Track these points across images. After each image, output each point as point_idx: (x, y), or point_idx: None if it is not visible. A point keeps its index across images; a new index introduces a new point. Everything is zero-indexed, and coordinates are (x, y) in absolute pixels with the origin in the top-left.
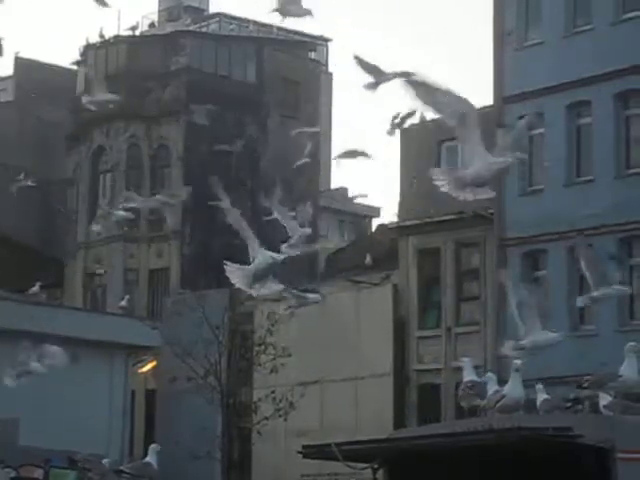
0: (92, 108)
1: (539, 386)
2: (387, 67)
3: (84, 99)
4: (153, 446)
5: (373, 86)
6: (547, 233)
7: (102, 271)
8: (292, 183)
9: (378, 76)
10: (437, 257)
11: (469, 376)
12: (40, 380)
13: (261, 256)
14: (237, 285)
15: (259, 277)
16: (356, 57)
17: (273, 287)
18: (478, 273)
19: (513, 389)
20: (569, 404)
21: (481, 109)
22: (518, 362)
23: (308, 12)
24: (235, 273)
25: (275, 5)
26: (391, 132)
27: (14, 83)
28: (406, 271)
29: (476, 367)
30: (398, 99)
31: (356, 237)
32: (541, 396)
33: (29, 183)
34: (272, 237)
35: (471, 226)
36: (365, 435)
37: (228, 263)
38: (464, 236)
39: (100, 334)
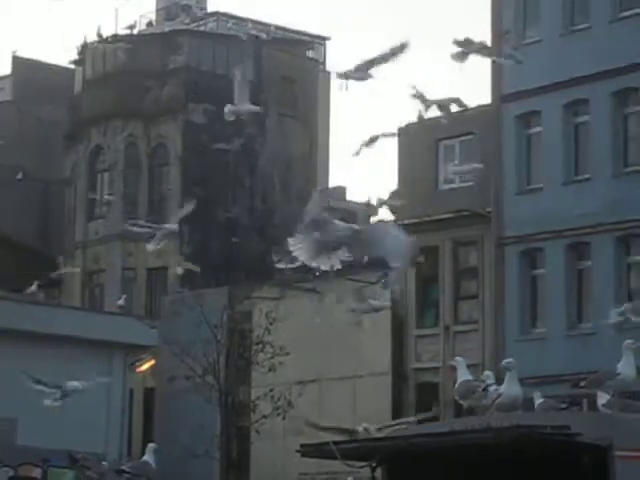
0: (231, 118)
1: (537, 393)
2: None
3: (227, 109)
4: (151, 445)
5: (461, 56)
6: (545, 232)
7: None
8: (290, 182)
9: (467, 45)
10: (435, 256)
11: (464, 376)
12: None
13: (336, 224)
14: (301, 258)
15: (331, 247)
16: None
17: (339, 259)
18: (476, 272)
19: (509, 387)
20: (564, 405)
21: (479, 107)
22: (508, 360)
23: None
24: (300, 244)
25: None
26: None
27: (12, 82)
28: (404, 270)
29: (474, 365)
30: (395, 98)
31: None
32: (538, 400)
33: (18, 177)
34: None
35: (469, 225)
36: (363, 434)
37: (296, 236)
38: (462, 235)
39: (98, 333)
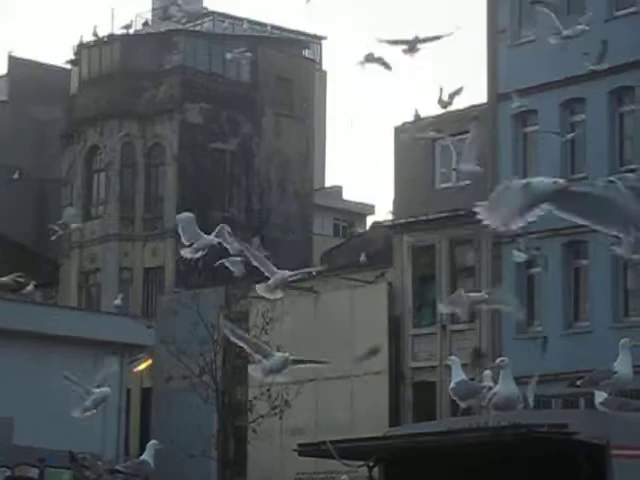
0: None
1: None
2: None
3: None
4: (151, 443)
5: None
6: (541, 230)
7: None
8: (286, 181)
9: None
10: (432, 255)
11: (458, 376)
12: (35, 379)
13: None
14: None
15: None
16: None
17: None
18: (473, 270)
19: (505, 386)
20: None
21: (476, 107)
22: (502, 359)
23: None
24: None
25: None
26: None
27: (8, 82)
28: (401, 269)
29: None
30: (392, 97)
31: (350, 235)
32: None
33: (15, 176)
34: (271, 235)
35: (465, 223)
36: (360, 433)
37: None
38: (458, 233)
39: (95, 333)
